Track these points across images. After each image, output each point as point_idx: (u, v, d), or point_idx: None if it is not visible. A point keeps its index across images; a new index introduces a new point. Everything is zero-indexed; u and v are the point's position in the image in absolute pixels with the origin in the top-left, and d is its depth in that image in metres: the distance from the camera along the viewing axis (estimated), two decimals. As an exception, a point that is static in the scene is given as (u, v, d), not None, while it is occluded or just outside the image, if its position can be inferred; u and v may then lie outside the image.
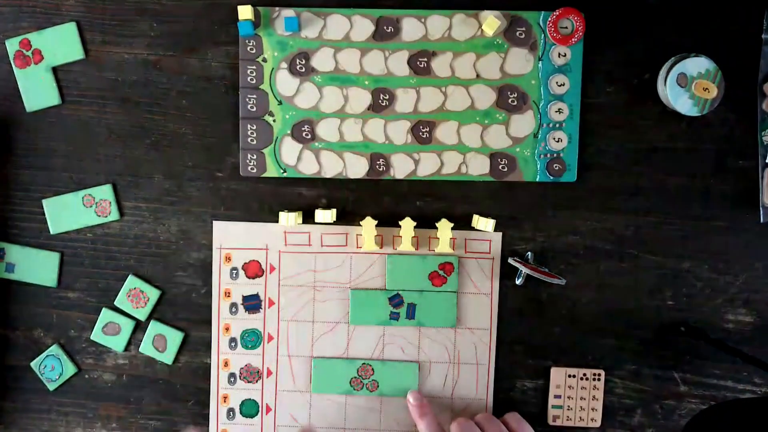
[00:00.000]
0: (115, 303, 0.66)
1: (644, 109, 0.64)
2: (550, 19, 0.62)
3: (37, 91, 0.64)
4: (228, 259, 0.65)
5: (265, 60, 0.64)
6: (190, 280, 0.66)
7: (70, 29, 0.64)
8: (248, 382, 0.66)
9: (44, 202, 0.65)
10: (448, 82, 0.64)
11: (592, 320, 0.66)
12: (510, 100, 0.64)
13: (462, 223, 0.65)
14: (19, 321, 0.66)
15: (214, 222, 0.65)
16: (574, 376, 0.66)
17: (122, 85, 0.65)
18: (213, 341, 0.66)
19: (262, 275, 0.66)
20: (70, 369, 0.66)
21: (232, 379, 0.66)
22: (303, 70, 0.64)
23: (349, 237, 0.65)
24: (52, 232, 0.65)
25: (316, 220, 0.63)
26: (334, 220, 0.64)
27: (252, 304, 0.66)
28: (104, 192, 0.65)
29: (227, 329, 0.66)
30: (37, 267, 0.65)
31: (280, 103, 0.64)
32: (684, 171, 0.65)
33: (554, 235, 0.65)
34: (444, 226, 0.63)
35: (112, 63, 0.64)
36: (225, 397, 0.66)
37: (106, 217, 0.65)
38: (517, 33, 0.63)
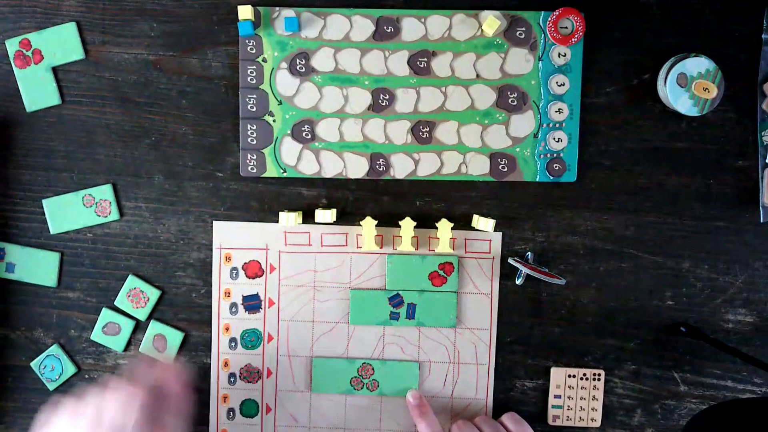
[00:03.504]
0: (115, 303, 0.66)
1: (644, 109, 0.64)
2: (550, 19, 0.62)
3: (37, 91, 0.64)
4: (228, 259, 0.65)
5: (265, 60, 0.64)
6: (190, 280, 0.66)
7: (70, 29, 0.64)
8: (248, 382, 0.66)
9: (44, 202, 0.65)
10: (448, 82, 0.64)
11: (592, 320, 0.66)
12: (510, 100, 0.64)
13: (462, 223, 0.65)
14: (19, 321, 0.66)
15: (214, 222, 0.65)
16: (574, 376, 0.66)
17: (122, 85, 0.65)
18: (213, 341, 0.66)
19: (262, 275, 0.66)
20: (70, 369, 0.66)
21: (232, 379, 0.66)
22: (303, 70, 0.64)
23: (349, 237, 0.65)
24: (52, 232, 0.65)
25: (316, 220, 0.63)
26: (334, 220, 0.64)
27: (252, 304, 0.66)
28: (104, 192, 0.65)
29: (227, 329, 0.66)
30: (37, 267, 0.65)
31: (280, 103, 0.64)
32: (684, 171, 0.65)
33: (554, 235, 0.65)
34: (444, 226, 0.63)
35: (112, 63, 0.64)
36: (225, 397, 0.66)
37: (106, 217, 0.65)
38: (517, 33, 0.63)
